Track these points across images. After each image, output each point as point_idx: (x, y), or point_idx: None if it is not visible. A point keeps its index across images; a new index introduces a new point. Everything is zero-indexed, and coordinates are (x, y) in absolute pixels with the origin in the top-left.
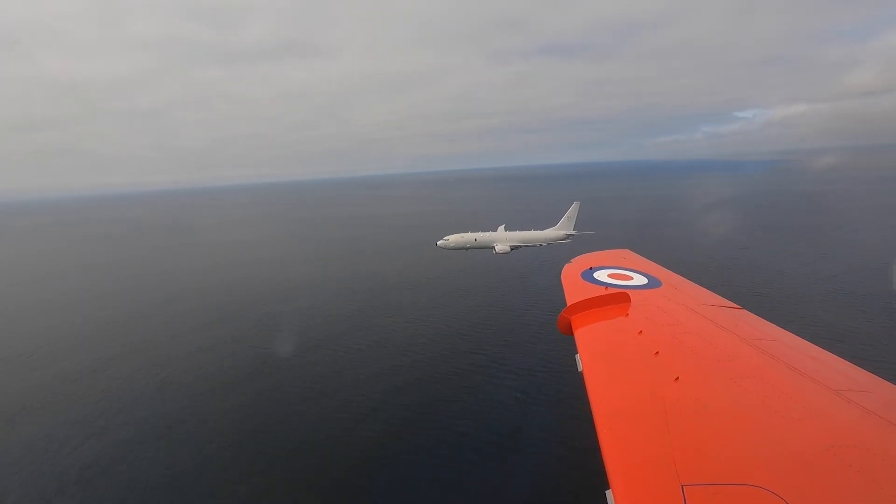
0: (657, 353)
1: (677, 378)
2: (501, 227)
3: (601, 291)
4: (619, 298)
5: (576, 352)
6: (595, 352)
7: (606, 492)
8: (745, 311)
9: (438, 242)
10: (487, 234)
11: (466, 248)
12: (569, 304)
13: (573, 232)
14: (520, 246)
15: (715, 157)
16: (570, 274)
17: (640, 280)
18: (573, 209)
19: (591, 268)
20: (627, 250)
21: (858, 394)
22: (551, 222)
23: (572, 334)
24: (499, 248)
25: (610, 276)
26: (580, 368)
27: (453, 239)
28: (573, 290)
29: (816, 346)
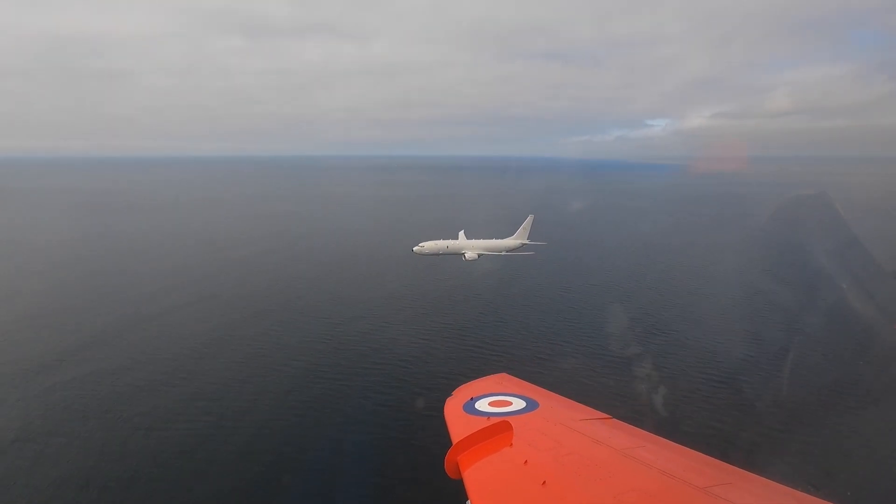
0: (544, 482)
1: None
2: (461, 233)
3: (484, 423)
4: (501, 428)
5: (466, 498)
6: (485, 495)
7: None
8: (614, 420)
9: (414, 248)
10: (457, 242)
11: (439, 255)
12: (454, 442)
13: (527, 241)
14: (484, 253)
15: (626, 158)
16: (453, 408)
17: (518, 404)
18: (528, 221)
19: (472, 398)
20: (505, 374)
21: (722, 487)
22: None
23: (461, 477)
24: (468, 255)
25: (491, 404)
26: None
27: (428, 246)
28: (457, 426)
29: (680, 445)
